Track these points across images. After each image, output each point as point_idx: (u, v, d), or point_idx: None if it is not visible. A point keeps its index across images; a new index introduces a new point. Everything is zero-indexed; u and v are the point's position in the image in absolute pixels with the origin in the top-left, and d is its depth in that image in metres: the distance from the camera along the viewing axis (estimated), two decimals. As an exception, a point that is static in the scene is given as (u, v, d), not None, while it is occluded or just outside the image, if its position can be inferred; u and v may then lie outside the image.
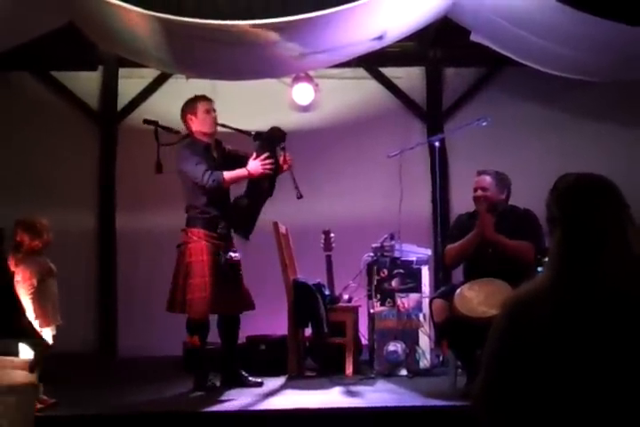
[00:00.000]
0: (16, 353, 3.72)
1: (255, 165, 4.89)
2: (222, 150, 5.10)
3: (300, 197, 4.97)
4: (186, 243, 4.90)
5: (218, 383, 4.95)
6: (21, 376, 3.48)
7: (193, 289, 4.79)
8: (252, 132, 5.04)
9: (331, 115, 7.15)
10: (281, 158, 4.98)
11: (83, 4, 5.20)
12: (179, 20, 5.03)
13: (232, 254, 4.91)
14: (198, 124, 5.00)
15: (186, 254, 4.87)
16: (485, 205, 4.82)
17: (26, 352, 3.82)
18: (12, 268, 4.40)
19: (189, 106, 5.03)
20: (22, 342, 3.73)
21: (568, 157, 6.57)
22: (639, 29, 5.05)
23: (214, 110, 5.03)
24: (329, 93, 7.13)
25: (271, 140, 5.01)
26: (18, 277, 4.38)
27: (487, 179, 4.86)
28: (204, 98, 5.05)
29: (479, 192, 4.85)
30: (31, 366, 3.44)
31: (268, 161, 4.90)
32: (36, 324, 4.33)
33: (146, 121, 5.07)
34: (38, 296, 4.36)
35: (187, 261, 4.85)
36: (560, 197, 1.84)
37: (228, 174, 4.87)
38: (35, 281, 4.36)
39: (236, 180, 4.95)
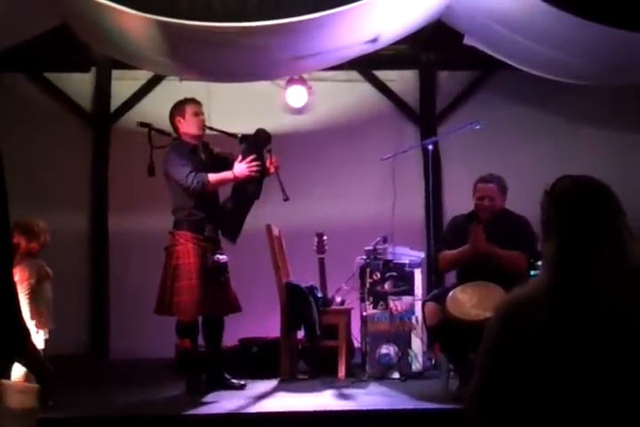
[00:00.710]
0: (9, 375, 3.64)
1: (241, 167, 4.90)
2: (210, 152, 5.12)
3: (286, 199, 4.98)
4: (173, 245, 4.91)
5: (208, 388, 4.90)
6: (25, 401, 3.43)
7: (180, 292, 4.80)
8: (239, 135, 5.04)
9: (324, 117, 7.15)
10: (267, 161, 4.98)
11: (75, 6, 5.18)
12: (172, 21, 5.01)
13: (219, 256, 4.91)
14: (186, 127, 5.02)
15: (173, 257, 4.88)
16: (489, 214, 4.81)
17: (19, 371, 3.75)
18: None
19: (178, 108, 5.05)
20: (25, 365, 3.63)
21: (561, 160, 6.58)
22: (632, 34, 5.06)
23: (202, 113, 5.06)
24: (322, 96, 7.13)
25: (257, 142, 5.02)
26: (15, 278, 4.35)
27: (493, 187, 4.82)
28: (192, 101, 5.07)
29: (486, 201, 4.81)
30: (39, 395, 3.38)
31: (254, 163, 4.90)
32: (31, 324, 4.31)
33: (140, 124, 5.09)
34: (35, 298, 4.35)
35: (174, 264, 4.86)
36: (556, 200, 1.83)
37: (212, 177, 4.87)
38: (33, 282, 4.36)
39: (222, 182, 4.96)
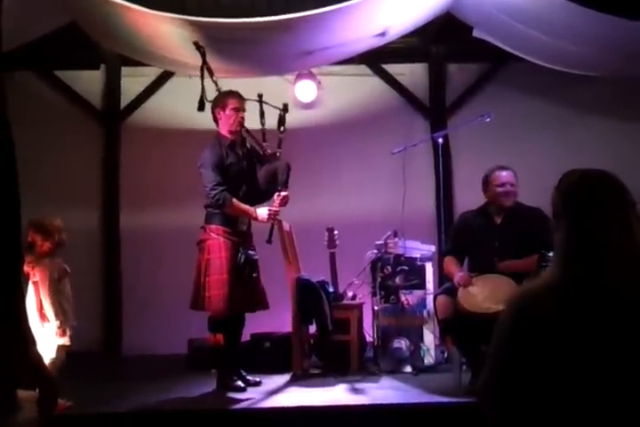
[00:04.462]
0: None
1: (263, 213, 4.89)
2: (246, 147, 5.07)
3: (268, 241, 4.90)
4: (204, 240, 4.87)
5: (242, 384, 4.85)
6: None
7: (211, 286, 4.77)
8: (269, 151, 5.01)
9: (334, 112, 7.14)
10: (277, 195, 4.95)
11: (84, 3, 5.20)
12: (181, 18, 5.02)
13: (250, 252, 4.89)
14: (224, 121, 4.96)
15: (204, 252, 4.84)
16: (511, 201, 4.81)
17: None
18: (27, 268, 4.36)
19: (220, 100, 4.95)
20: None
21: (572, 152, 6.55)
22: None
23: (243, 109, 4.97)
24: (332, 90, 7.12)
25: (282, 173, 4.96)
26: (36, 278, 4.35)
27: (512, 174, 4.86)
28: (235, 95, 4.97)
29: (508, 187, 4.82)
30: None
31: (274, 211, 4.89)
32: (56, 324, 4.30)
33: (259, 96, 5.07)
34: (58, 296, 4.34)
35: (205, 259, 4.83)
36: (565, 194, 1.83)
37: (236, 203, 4.84)
38: (54, 281, 4.34)
39: (240, 212, 4.89)
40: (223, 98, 4.96)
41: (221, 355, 4.91)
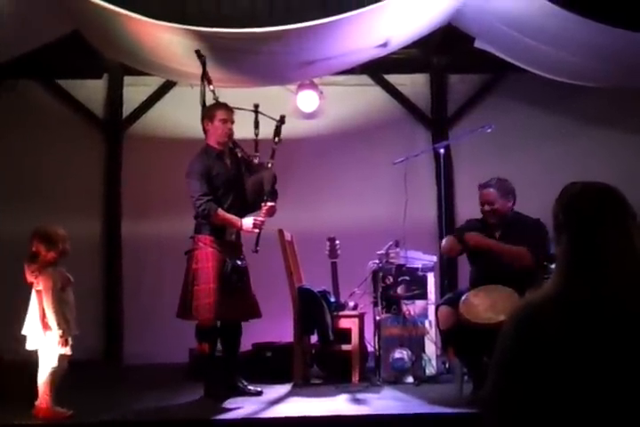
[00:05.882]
0: None
1: (248, 223, 4.89)
2: (235, 156, 5.10)
3: (255, 251, 4.89)
4: (193, 250, 4.92)
5: (224, 393, 4.85)
6: None
7: (198, 295, 4.80)
8: (255, 161, 5.03)
9: (335, 122, 7.15)
10: (264, 204, 4.96)
11: (87, 13, 5.22)
12: (183, 28, 5.04)
13: (238, 262, 4.90)
14: (212, 132, 4.99)
15: (193, 261, 4.89)
16: (494, 218, 4.82)
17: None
18: (30, 278, 4.34)
19: (209, 111, 5.01)
20: None
21: (573, 163, 6.56)
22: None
23: (232, 121, 4.99)
24: (333, 100, 7.14)
25: (268, 183, 4.98)
26: (39, 287, 4.34)
27: (491, 192, 4.83)
28: (223, 106, 5.01)
29: (486, 207, 4.83)
30: None
31: (260, 221, 4.88)
32: (58, 333, 4.27)
33: (255, 106, 5.11)
34: (61, 306, 4.32)
35: (194, 268, 4.87)
36: (566, 206, 1.84)
37: (222, 214, 4.87)
38: (57, 290, 4.31)
39: (226, 222, 4.92)
40: (212, 109, 5.00)
41: (206, 364, 4.93)
